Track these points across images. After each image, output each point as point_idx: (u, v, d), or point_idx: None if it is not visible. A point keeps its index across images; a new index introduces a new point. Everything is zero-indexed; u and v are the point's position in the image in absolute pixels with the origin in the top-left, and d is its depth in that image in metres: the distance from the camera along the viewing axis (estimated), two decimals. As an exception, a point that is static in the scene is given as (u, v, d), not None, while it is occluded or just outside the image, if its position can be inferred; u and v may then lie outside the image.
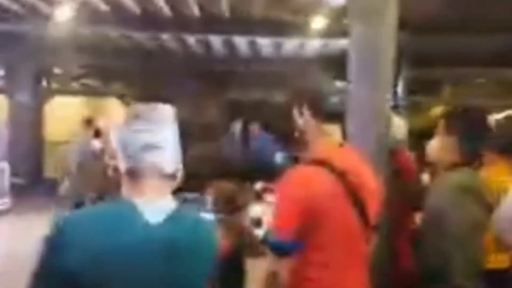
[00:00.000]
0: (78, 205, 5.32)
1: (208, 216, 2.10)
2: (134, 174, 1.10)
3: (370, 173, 1.66)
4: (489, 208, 1.79)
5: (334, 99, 1.66)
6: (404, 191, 2.33)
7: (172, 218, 1.10)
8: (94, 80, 11.74)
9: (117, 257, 1.01)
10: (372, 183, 1.64)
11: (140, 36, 8.01)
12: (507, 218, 1.54)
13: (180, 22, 7.05)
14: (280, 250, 1.48)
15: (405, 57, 7.84)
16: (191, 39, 8.13)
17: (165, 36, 7.90)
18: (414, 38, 7.27)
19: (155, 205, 1.09)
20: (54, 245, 1.02)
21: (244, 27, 7.17)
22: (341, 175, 1.51)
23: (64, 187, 5.67)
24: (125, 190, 1.12)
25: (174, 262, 1.07)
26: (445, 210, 1.77)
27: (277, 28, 7.14)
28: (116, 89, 12.82)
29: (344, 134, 2.45)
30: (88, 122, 5.54)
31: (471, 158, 1.89)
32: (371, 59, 2.45)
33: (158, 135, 1.11)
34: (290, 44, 8.24)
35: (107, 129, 5.57)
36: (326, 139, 1.61)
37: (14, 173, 8.17)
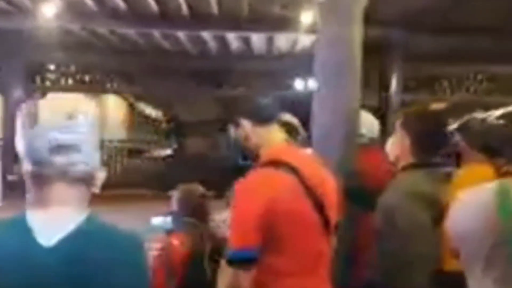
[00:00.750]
0: None
1: (162, 220, 2.05)
2: (39, 179, 0.99)
3: (325, 171, 1.63)
4: (442, 211, 1.75)
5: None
6: (359, 193, 2.28)
7: (72, 237, 0.97)
8: (89, 77, 11.75)
9: (7, 283, 0.92)
10: (328, 181, 1.61)
11: (130, 33, 7.96)
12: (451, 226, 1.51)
13: (171, 19, 7.00)
14: (242, 260, 1.40)
15: (397, 53, 7.78)
16: (182, 36, 8.08)
17: (156, 33, 7.86)
18: (407, 34, 7.22)
19: (54, 221, 0.97)
20: None
21: (235, 23, 7.11)
22: (298, 173, 1.48)
23: None
24: (29, 199, 1.01)
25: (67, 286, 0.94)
26: (391, 213, 1.75)
27: (268, 24, 7.08)
28: (113, 86, 12.84)
29: (308, 137, 2.41)
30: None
31: (425, 159, 1.84)
32: (338, 57, 2.36)
33: (68, 135, 1.00)
34: (282, 40, 8.18)
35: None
36: (274, 141, 1.58)
37: (8, 171, 8.18)
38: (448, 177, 2.31)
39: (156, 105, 15.81)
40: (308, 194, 1.50)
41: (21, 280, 0.93)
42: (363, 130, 2.59)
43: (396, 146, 1.90)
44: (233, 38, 8.19)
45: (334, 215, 1.59)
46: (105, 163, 10.80)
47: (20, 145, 1.24)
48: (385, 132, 2.86)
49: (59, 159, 0.98)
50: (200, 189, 2.47)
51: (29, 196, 1.01)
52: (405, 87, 8.95)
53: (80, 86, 11.69)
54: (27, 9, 6.50)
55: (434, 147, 1.87)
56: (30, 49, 8.96)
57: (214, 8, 6.61)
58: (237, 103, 1.68)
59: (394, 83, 8.00)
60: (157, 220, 2.13)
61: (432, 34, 7.35)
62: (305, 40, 7.84)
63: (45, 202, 0.99)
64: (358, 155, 2.43)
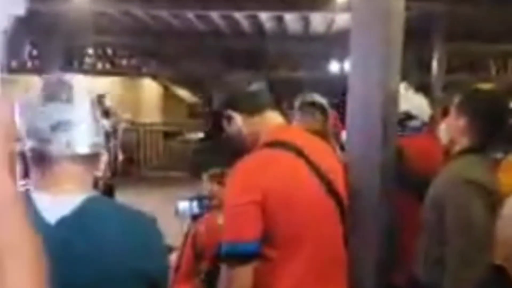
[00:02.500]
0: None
1: (189, 204, 1.97)
2: (41, 157, 0.97)
3: (329, 150, 1.53)
4: (497, 200, 1.61)
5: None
6: (408, 178, 2.12)
7: (78, 214, 0.95)
8: (126, 60, 11.92)
9: None
10: (333, 161, 1.50)
11: (164, 15, 7.94)
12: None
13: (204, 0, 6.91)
14: (242, 255, 1.24)
15: (440, 31, 7.37)
16: (216, 17, 7.98)
17: (190, 15, 7.79)
18: (451, 9, 6.81)
19: (59, 200, 0.95)
20: None
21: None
22: (300, 153, 1.35)
23: None
24: (33, 179, 0.99)
25: (73, 266, 0.91)
26: (440, 202, 1.63)
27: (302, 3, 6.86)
28: (149, 69, 13.00)
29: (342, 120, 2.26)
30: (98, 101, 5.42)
31: (482, 143, 1.70)
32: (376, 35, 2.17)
33: (70, 112, 0.97)
34: (317, 21, 7.93)
35: (115, 109, 5.53)
36: (271, 125, 1.44)
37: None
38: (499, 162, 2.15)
39: (190, 88, 15.90)
40: (318, 177, 1.35)
41: None
42: (414, 111, 2.42)
43: (451, 128, 1.76)
44: (266, 19, 8.01)
45: (346, 206, 1.45)
46: (140, 145, 11.03)
47: (19, 123, 1.18)
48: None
49: (61, 136, 0.96)
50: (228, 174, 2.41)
51: (32, 175, 0.99)
52: (448, 67, 8.55)
53: (116, 70, 11.91)
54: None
55: (492, 130, 1.71)
56: (68, 33, 9.12)
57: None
58: (228, 95, 1.50)
59: (435, 63, 7.60)
60: (183, 205, 2.07)
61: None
62: (341, 21, 7.58)
63: (48, 180, 0.97)
64: (408, 139, 2.25)
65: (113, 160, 5.63)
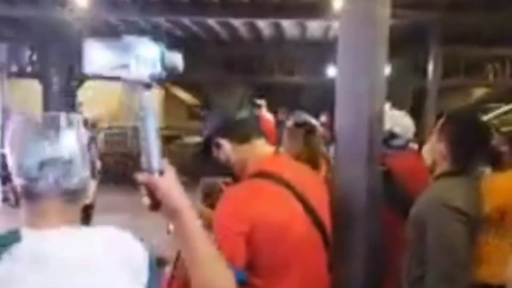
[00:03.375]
0: None
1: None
2: (30, 195, 0.98)
3: (315, 180, 1.55)
4: (477, 221, 1.67)
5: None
6: (393, 196, 2.15)
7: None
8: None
9: None
10: (319, 190, 1.52)
11: (162, 21, 8.02)
12: None
13: (201, 7, 6.98)
14: None
15: (435, 35, 7.42)
16: (213, 23, 8.06)
17: (186, 21, 7.87)
18: (444, 14, 6.87)
19: (45, 234, 0.95)
20: None
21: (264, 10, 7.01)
22: (292, 188, 1.37)
23: None
24: (24, 215, 0.99)
25: None
26: (421, 225, 1.66)
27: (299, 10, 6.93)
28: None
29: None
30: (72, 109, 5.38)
31: (463, 167, 1.73)
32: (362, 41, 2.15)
33: (57, 150, 0.96)
34: (314, 27, 7.99)
35: (94, 120, 5.53)
36: (260, 156, 1.46)
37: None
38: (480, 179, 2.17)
39: (190, 91, 15.97)
40: (303, 207, 1.39)
41: None
42: (397, 129, 2.44)
43: (433, 150, 1.79)
44: (264, 26, 8.09)
45: (329, 230, 1.48)
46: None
47: (9, 159, 1.19)
48: (421, 123, 2.67)
49: (48, 174, 0.96)
50: (221, 184, 2.46)
51: (23, 210, 0.99)
52: (444, 72, 8.59)
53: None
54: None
55: (471, 155, 1.74)
56: (68, 38, 9.20)
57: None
58: (218, 123, 1.50)
59: (431, 68, 7.65)
60: None
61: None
62: (338, 27, 7.62)
63: (38, 216, 0.98)
64: (393, 157, 2.27)
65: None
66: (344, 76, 2.08)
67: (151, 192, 0.93)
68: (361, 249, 1.83)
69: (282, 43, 9.17)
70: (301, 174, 1.52)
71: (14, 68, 9.06)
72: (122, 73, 0.93)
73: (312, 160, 2.10)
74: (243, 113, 1.49)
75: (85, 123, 4.45)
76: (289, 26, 8.07)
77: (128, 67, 0.92)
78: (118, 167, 9.50)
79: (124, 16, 7.61)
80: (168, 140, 11.43)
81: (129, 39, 0.94)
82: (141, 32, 8.89)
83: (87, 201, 1.06)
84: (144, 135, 0.96)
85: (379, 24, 2.06)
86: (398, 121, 2.41)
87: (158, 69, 0.94)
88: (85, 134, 1.05)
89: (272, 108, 8.30)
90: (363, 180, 1.85)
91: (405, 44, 8.57)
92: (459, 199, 1.64)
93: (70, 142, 0.99)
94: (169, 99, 17.43)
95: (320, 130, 2.46)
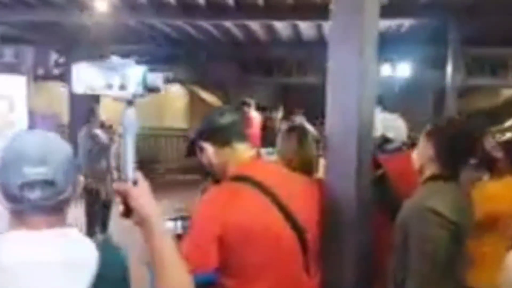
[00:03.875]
0: (90, 192, 5.49)
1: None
2: (16, 213, 1.03)
3: (297, 184, 1.56)
4: (462, 226, 1.66)
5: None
6: (386, 200, 2.13)
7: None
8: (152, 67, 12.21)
9: None
10: (305, 196, 1.54)
11: (180, 24, 8.17)
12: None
13: (217, 10, 7.07)
14: (200, 284, 1.23)
15: (455, 34, 7.27)
16: (229, 26, 8.15)
17: (204, 24, 7.99)
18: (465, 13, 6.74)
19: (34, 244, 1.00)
20: None
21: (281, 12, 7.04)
22: (263, 188, 1.40)
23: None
24: (10, 223, 1.04)
25: None
26: (404, 228, 1.68)
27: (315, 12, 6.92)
28: (176, 76, 13.32)
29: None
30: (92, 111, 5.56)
31: (450, 172, 1.74)
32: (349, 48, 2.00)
33: (40, 169, 1.00)
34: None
35: (111, 122, 5.69)
36: (241, 159, 1.50)
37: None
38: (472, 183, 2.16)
39: (214, 93, 16.13)
40: (280, 210, 1.41)
41: None
42: (390, 134, 2.45)
43: (420, 155, 1.81)
44: (281, 27, 8.12)
45: (314, 234, 1.50)
46: (165, 150, 11.34)
47: None
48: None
49: (32, 195, 0.99)
50: (207, 185, 2.51)
51: (10, 221, 1.04)
52: (468, 72, 8.42)
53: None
54: (83, 3, 6.87)
55: (458, 161, 1.75)
56: (90, 42, 9.47)
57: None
58: (201, 127, 1.57)
59: (450, 67, 7.49)
60: (168, 224, 2.14)
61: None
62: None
63: (20, 228, 1.03)
64: (387, 161, 2.25)
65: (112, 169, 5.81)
66: (334, 81, 2.08)
67: (125, 200, 1.00)
68: (351, 256, 1.84)
69: (299, 44, 9.17)
70: (281, 178, 1.55)
71: (40, 71, 9.37)
72: (107, 92, 1.02)
73: (306, 164, 2.12)
74: (226, 118, 1.54)
75: (102, 125, 4.53)
76: (305, 27, 8.07)
77: (112, 87, 1.01)
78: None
79: (143, 19, 7.78)
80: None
81: (115, 60, 1.03)
82: (164, 34, 9.09)
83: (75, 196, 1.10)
84: (123, 148, 1.03)
85: (368, 26, 2.05)
86: (391, 125, 2.41)
87: (140, 89, 1.01)
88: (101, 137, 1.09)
89: (289, 109, 8.34)
90: (353, 187, 1.86)
91: (426, 44, 8.44)
92: (443, 204, 1.64)
93: (55, 164, 1.02)
94: (194, 101, 17.64)
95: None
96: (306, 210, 1.51)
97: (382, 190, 2.10)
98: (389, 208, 2.04)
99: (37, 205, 1.01)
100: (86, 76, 1.03)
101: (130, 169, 1.02)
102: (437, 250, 1.60)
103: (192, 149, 1.58)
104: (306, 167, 2.04)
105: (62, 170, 1.03)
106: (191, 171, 10.27)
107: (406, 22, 7.73)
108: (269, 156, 4.55)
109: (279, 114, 8.21)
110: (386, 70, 9.39)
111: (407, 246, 1.66)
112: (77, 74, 1.04)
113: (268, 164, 1.63)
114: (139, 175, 1.03)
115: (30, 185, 0.99)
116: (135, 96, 1.02)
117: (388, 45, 8.17)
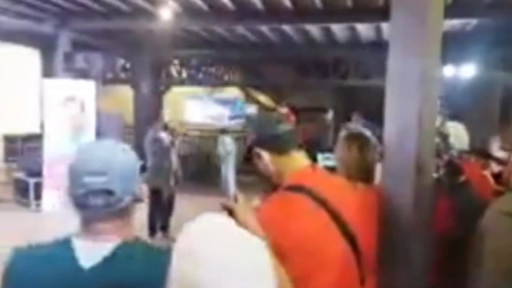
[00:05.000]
0: (156, 196, 5.77)
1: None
2: (83, 220, 1.11)
3: (351, 194, 1.55)
4: None
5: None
6: (471, 207, 2.04)
7: (109, 260, 1.07)
8: (209, 70, 12.62)
9: None
10: (361, 207, 1.53)
11: (239, 29, 8.38)
12: None
13: (276, 14, 7.19)
14: None
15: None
16: (288, 29, 8.25)
17: (262, 28, 8.15)
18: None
19: (94, 246, 1.08)
20: (2, 277, 1.09)
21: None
22: (324, 202, 1.40)
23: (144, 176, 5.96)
24: (78, 228, 1.13)
25: None
26: (481, 236, 1.67)
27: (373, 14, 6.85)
28: (230, 78, 13.62)
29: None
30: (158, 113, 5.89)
31: None
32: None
33: (102, 178, 1.06)
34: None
35: (173, 125, 5.99)
36: (297, 168, 1.51)
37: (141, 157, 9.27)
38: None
39: (269, 94, 16.33)
40: (335, 222, 1.39)
41: None
42: (451, 139, 2.39)
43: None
44: (338, 29, 8.10)
45: (369, 246, 1.49)
46: (226, 150, 11.66)
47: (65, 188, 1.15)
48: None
49: (93, 203, 1.07)
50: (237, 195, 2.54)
51: (79, 227, 1.13)
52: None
53: (199, 80, 12.64)
54: (149, 12, 7.25)
55: None
56: (156, 47, 9.95)
57: (317, 2, 6.62)
58: (258, 134, 1.57)
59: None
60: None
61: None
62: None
63: (86, 230, 1.12)
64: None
65: (175, 170, 6.10)
66: (393, 83, 2.01)
67: (231, 214, 1.08)
68: (415, 264, 1.81)
69: (357, 45, 9.09)
70: (337, 188, 1.54)
71: (109, 75, 9.96)
72: (214, 122, 1.11)
73: (365, 171, 2.05)
74: (284, 126, 1.55)
75: (165, 127, 4.86)
76: (363, 28, 8.00)
77: (222, 119, 1.11)
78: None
79: (205, 25, 8.07)
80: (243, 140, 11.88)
81: (222, 97, 1.15)
82: (223, 39, 9.35)
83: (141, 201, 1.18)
84: (225, 170, 1.13)
85: (431, 24, 1.96)
86: (452, 132, 2.38)
87: (241, 120, 1.11)
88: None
89: (347, 112, 8.29)
90: (410, 192, 1.81)
91: (491, 44, 8.06)
92: None
93: (114, 171, 1.09)
94: (250, 102, 17.96)
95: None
96: (362, 221, 1.49)
97: (466, 196, 2.06)
98: (470, 215, 1.96)
99: (99, 212, 1.08)
100: (197, 110, 1.13)
101: (232, 187, 1.13)
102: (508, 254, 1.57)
103: (250, 156, 1.59)
104: (365, 174, 2.02)
105: (121, 180, 1.09)
106: (248, 172, 10.51)
107: (471, 22, 7.44)
108: (326, 161, 4.51)
109: (330, 115, 8.15)
110: (449, 71, 9.07)
111: (482, 254, 1.64)
112: (190, 108, 1.14)
113: (324, 173, 1.60)
114: (237, 192, 1.13)
115: (93, 193, 1.07)
116: (236, 126, 1.10)
117: (452, 46, 7.93)
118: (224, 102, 14.65)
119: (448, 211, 2.11)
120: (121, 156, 1.13)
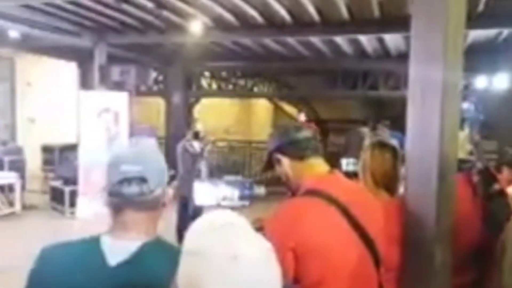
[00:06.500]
0: (185, 204, 5.88)
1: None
2: (114, 208, 1.12)
3: (369, 200, 1.57)
4: None
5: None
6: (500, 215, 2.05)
7: (135, 258, 1.08)
8: (238, 82, 12.84)
9: None
10: (380, 213, 1.54)
11: (268, 42, 8.52)
12: None
13: (303, 27, 7.29)
14: None
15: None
16: (316, 41, 8.31)
17: (291, 40, 8.26)
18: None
19: (121, 243, 1.10)
20: (29, 275, 1.12)
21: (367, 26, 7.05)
22: (341, 206, 1.41)
23: (173, 185, 6.06)
24: (109, 224, 1.14)
25: None
26: (504, 245, 1.70)
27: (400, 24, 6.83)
28: (261, 90, 13.79)
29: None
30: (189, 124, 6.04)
31: None
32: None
33: (136, 167, 1.10)
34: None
35: (204, 133, 6.11)
36: (314, 172, 1.53)
37: (171, 167, 9.50)
38: None
39: (296, 105, 16.38)
40: (353, 226, 1.40)
41: None
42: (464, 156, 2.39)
43: None
44: (367, 40, 8.11)
45: (392, 252, 1.53)
46: (249, 162, 11.77)
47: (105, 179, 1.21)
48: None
49: (127, 190, 1.10)
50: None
51: (109, 221, 1.15)
52: None
53: (229, 91, 12.86)
54: (180, 26, 7.48)
55: None
56: (187, 60, 10.21)
57: (344, 14, 6.68)
58: (271, 144, 1.61)
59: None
60: None
61: None
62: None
63: (117, 227, 1.13)
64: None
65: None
66: (415, 89, 2.07)
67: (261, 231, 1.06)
68: (433, 271, 1.83)
69: (386, 57, 9.06)
70: (355, 194, 1.55)
71: (142, 88, 10.27)
72: (222, 203, 1.19)
73: (388, 177, 2.06)
74: (303, 133, 1.58)
75: (196, 135, 5.00)
76: (391, 39, 7.98)
77: (231, 199, 1.19)
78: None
79: (234, 38, 8.25)
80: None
81: (228, 179, 1.25)
82: (253, 52, 9.51)
83: (165, 206, 1.19)
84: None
85: (452, 35, 1.98)
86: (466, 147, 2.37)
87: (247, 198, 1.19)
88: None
89: (375, 122, 8.23)
90: (433, 199, 1.84)
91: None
92: None
93: (149, 165, 1.13)
94: (277, 113, 18.11)
95: None
96: (377, 226, 1.49)
97: (500, 206, 2.06)
98: (502, 225, 1.94)
99: (132, 200, 1.10)
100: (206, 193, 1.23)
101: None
102: None
103: (270, 162, 1.63)
104: (389, 182, 2.04)
105: (154, 171, 1.13)
106: (275, 182, 10.54)
107: (504, 31, 7.31)
108: (349, 166, 4.48)
109: (367, 128, 8.06)
110: (482, 81, 8.89)
111: (501, 264, 1.66)
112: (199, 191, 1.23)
113: (342, 178, 1.59)
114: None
115: (129, 181, 1.10)
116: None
117: (484, 56, 7.79)
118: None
119: (480, 218, 2.11)
120: (153, 153, 1.20)
